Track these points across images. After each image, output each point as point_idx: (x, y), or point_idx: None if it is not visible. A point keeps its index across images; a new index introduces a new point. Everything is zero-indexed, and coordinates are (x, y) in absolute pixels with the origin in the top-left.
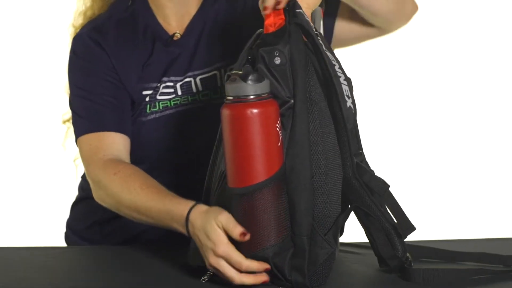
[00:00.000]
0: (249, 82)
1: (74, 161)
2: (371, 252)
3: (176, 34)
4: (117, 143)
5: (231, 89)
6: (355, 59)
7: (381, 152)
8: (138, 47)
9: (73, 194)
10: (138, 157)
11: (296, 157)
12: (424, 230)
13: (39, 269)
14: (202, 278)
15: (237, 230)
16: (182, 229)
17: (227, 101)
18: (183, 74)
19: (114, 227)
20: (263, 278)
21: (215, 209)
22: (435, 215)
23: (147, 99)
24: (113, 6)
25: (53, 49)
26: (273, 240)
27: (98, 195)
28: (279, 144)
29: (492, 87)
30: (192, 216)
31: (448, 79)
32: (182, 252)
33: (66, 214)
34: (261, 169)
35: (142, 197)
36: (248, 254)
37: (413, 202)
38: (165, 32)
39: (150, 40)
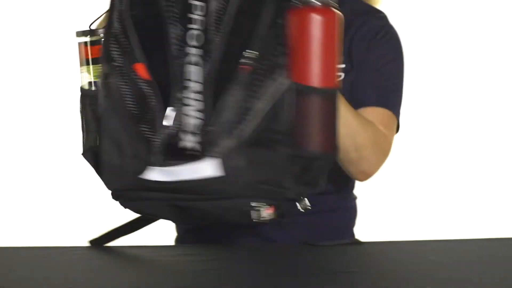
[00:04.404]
0: None
1: None
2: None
3: None
4: None
5: None
6: None
7: None
8: None
9: (74, 193)
10: None
11: None
12: (424, 230)
13: (39, 269)
14: None
15: None
16: None
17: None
18: None
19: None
20: None
21: None
22: (435, 215)
23: None
24: None
25: (56, 49)
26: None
27: None
28: None
29: (492, 87)
30: None
31: (448, 78)
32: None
33: (67, 213)
34: None
35: None
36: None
37: (413, 202)
38: None
39: None
